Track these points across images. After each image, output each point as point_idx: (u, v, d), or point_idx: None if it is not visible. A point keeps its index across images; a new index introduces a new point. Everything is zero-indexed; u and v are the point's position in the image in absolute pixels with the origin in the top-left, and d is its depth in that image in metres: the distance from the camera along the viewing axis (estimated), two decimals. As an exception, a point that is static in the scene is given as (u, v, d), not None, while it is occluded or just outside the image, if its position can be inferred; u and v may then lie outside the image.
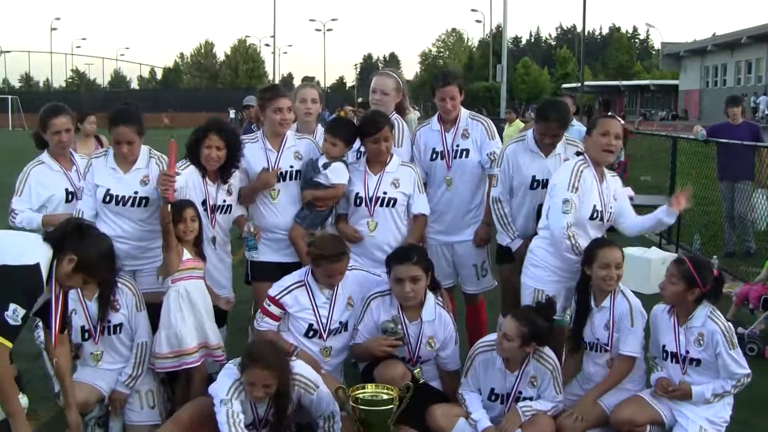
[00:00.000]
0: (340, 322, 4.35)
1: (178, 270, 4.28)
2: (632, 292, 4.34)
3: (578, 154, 4.60)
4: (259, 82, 70.90)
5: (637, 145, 13.46)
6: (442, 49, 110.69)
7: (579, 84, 39.82)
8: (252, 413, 3.86)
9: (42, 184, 4.69)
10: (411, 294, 4.21)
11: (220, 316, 4.63)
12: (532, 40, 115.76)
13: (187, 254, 4.33)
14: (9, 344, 3.26)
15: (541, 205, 4.75)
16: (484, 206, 5.06)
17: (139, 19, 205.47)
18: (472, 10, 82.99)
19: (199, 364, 4.31)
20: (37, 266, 3.38)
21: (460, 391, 4.24)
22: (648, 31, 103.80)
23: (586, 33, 44.07)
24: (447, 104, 4.96)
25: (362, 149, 4.87)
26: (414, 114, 7.95)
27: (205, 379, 4.32)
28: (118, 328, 4.26)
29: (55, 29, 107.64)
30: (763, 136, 8.97)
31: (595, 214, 4.41)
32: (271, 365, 3.72)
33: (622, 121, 13.83)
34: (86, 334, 4.22)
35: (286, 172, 4.77)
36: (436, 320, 4.33)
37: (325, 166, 4.68)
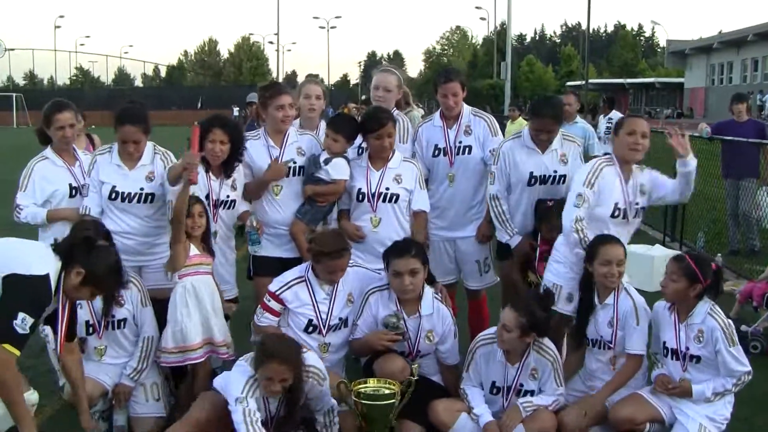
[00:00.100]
0: (340, 318, 4.36)
1: (185, 265, 4.29)
2: (636, 289, 4.33)
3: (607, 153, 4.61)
4: (263, 79, 70.87)
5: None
6: (446, 47, 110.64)
7: (583, 82, 39.78)
8: (264, 410, 3.84)
9: (46, 179, 4.72)
10: (410, 287, 4.22)
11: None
12: (537, 38, 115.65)
13: (194, 250, 4.34)
14: (17, 352, 3.30)
15: (539, 201, 4.79)
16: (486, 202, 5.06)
17: (142, 17, 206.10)
18: (477, 7, 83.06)
19: (202, 360, 4.32)
20: (46, 277, 3.42)
21: (462, 385, 4.25)
22: (653, 28, 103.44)
23: (590, 30, 43.97)
24: (449, 101, 4.96)
25: (364, 145, 4.88)
26: (418, 111, 7.95)
27: (209, 374, 4.33)
28: (122, 323, 4.29)
29: (59, 27, 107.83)
30: (768, 134, 8.93)
31: (617, 212, 4.42)
32: (287, 359, 3.72)
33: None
34: (90, 329, 4.24)
35: (289, 168, 4.79)
36: (435, 314, 4.34)
37: (326, 161, 4.70)
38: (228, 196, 4.67)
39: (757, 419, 4.64)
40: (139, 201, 4.54)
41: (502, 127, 6.33)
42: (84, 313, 4.17)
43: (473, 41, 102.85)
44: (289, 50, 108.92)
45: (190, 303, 4.27)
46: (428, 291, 4.36)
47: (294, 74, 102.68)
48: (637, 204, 4.48)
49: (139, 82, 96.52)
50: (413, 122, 5.47)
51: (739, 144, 8.59)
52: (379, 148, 4.70)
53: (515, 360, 4.12)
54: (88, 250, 3.60)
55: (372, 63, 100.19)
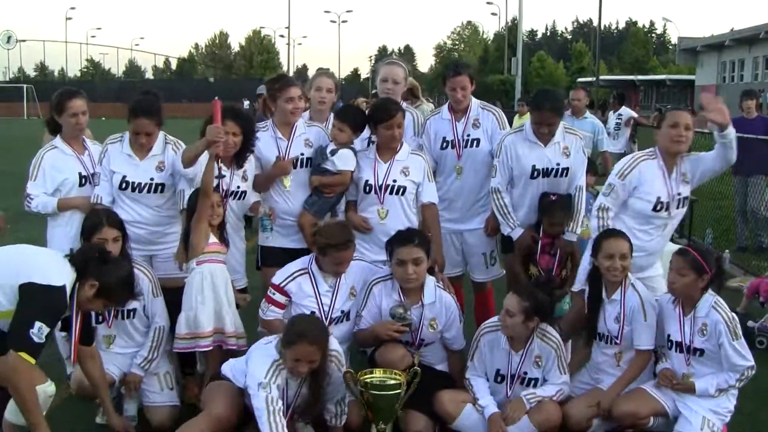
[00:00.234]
0: (342, 311, 4.38)
1: (204, 252, 4.30)
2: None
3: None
4: (274, 73, 70.92)
5: (651, 139, 13.39)
6: (457, 42, 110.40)
7: (594, 78, 39.65)
8: (283, 397, 3.81)
9: (56, 168, 4.72)
10: (413, 276, 4.25)
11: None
12: (548, 34, 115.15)
13: (212, 238, 4.36)
14: (32, 361, 3.35)
15: (543, 194, 4.81)
16: None
17: (153, 9, 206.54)
18: (488, 2, 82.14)
19: (210, 348, 4.33)
20: (63, 288, 3.48)
21: (467, 375, 4.28)
22: (665, 25, 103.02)
23: (602, 27, 43.83)
24: (458, 94, 4.98)
25: (373, 138, 4.90)
26: (427, 105, 7.97)
27: (219, 364, 4.33)
28: (131, 313, 4.32)
29: (70, 19, 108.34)
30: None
31: (659, 206, 4.44)
32: (318, 340, 3.73)
33: (636, 114, 13.80)
34: (99, 317, 4.26)
35: (297, 159, 4.82)
36: (437, 302, 4.37)
37: (333, 152, 4.71)
38: (239, 187, 4.69)
39: (762, 414, 4.64)
40: (149, 191, 4.58)
41: (510, 122, 6.34)
42: None
43: (484, 36, 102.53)
44: (300, 44, 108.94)
45: (206, 290, 4.28)
46: (430, 280, 4.39)
47: (305, 68, 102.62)
48: (679, 194, 4.50)
49: (149, 75, 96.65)
50: (424, 116, 5.49)
51: (747, 140, 8.54)
52: (389, 138, 4.70)
53: (519, 347, 4.15)
54: (102, 262, 3.66)
55: (383, 57, 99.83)
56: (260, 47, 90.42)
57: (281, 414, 3.61)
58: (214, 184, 4.37)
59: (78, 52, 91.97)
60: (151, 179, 4.58)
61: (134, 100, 4.62)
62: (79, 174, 4.76)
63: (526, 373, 4.16)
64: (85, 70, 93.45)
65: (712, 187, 9.15)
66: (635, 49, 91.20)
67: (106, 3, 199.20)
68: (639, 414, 4.02)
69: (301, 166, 4.83)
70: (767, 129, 8.82)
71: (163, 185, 4.61)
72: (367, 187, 4.74)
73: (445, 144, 5.06)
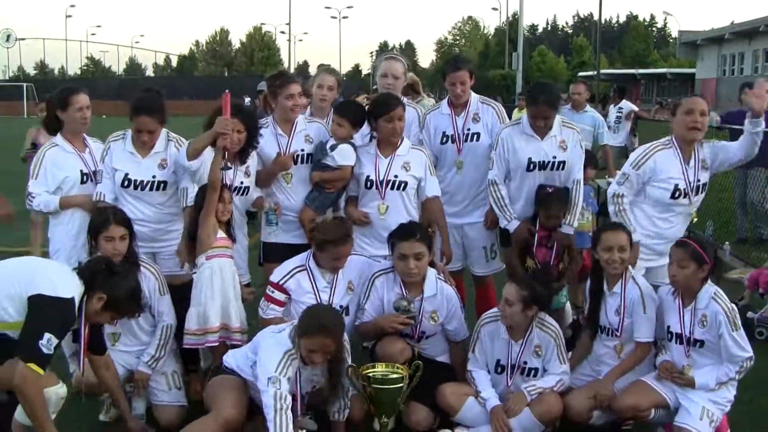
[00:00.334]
0: (341, 306, 4.40)
1: (213, 246, 4.32)
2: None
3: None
4: (275, 69, 70.88)
5: (651, 133, 13.42)
6: (458, 37, 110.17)
7: (595, 72, 39.55)
8: (295, 384, 3.82)
9: (57, 166, 4.70)
10: (414, 270, 4.28)
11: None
12: (549, 28, 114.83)
13: (220, 233, 4.38)
14: (41, 372, 3.38)
15: (540, 186, 4.83)
16: None
17: (154, 7, 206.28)
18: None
19: (218, 344, 4.34)
20: (72, 300, 3.52)
21: (468, 367, 4.31)
22: (665, 19, 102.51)
23: (602, 21, 43.66)
24: (457, 89, 5.01)
25: (374, 134, 4.91)
26: (428, 100, 7.99)
27: None
28: None
29: (69, 16, 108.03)
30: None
31: (677, 194, 4.49)
32: (336, 332, 3.77)
33: (636, 108, 13.80)
34: None
35: (297, 155, 4.84)
36: (438, 294, 4.39)
37: (333, 147, 4.74)
38: (242, 183, 4.71)
39: (761, 403, 4.68)
40: (151, 189, 4.59)
41: (510, 116, 6.37)
42: None
43: (485, 31, 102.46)
44: (301, 40, 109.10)
45: (215, 285, 4.29)
46: (431, 272, 4.42)
47: (305, 64, 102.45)
48: (698, 181, 4.54)
49: (150, 72, 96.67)
50: (425, 111, 5.52)
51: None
52: (390, 131, 4.72)
53: (519, 337, 4.19)
54: (109, 275, 3.70)
55: (384, 53, 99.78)
56: (261, 44, 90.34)
57: (289, 412, 3.57)
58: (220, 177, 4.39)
59: (78, 50, 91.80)
60: (153, 177, 4.59)
61: (136, 98, 4.63)
62: (81, 171, 4.75)
63: (526, 362, 4.19)
64: (86, 68, 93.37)
65: (712, 179, 9.15)
66: (636, 43, 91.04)
67: (106, 0, 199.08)
68: (640, 407, 4.04)
69: (302, 162, 4.86)
70: (766, 121, 8.80)
71: (165, 183, 4.62)
72: (368, 183, 4.76)
73: (445, 139, 5.08)
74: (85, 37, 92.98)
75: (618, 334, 4.23)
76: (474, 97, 5.15)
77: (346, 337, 3.98)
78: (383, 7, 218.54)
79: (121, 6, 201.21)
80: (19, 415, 3.63)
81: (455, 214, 5.12)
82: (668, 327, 4.14)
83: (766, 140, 8.40)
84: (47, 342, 3.36)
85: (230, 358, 4.04)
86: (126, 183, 4.58)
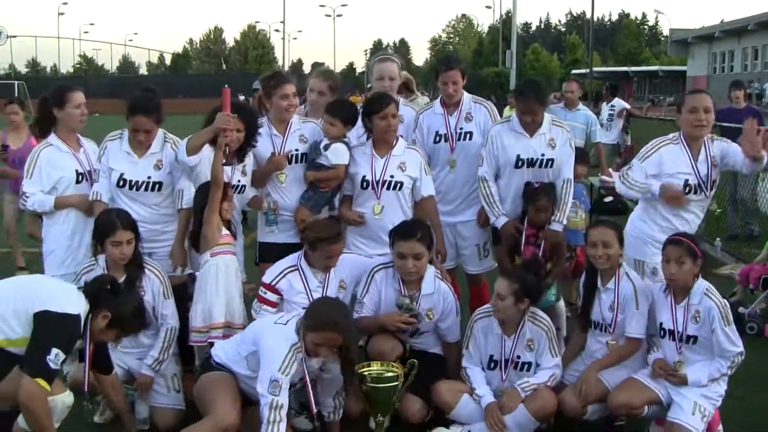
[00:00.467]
0: None
1: (218, 243, 4.33)
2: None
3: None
4: (269, 68, 70.79)
5: (643, 130, 13.50)
6: (452, 35, 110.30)
7: (588, 70, 39.66)
8: (303, 371, 3.82)
9: (52, 165, 4.68)
10: (413, 269, 4.31)
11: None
12: (542, 27, 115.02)
13: (224, 230, 4.40)
14: (48, 387, 3.39)
15: (526, 183, 4.85)
16: None
17: (147, 4, 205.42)
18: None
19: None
20: (78, 317, 3.53)
21: (463, 364, 4.34)
22: (657, 17, 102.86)
23: (595, 19, 43.85)
24: (449, 88, 5.04)
25: (369, 134, 4.91)
26: (422, 99, 8.00)
27: None
28: None
29: (62, 14, 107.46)
30: (765, 121, 8.99)
31: (688, 189, 4.51)
32: (344, 327, 3.79)
33: (628, 106, 13.84)
34: None
35: (292, 155, 4.86)
36: (436, 293, 4.42)
37: (326, 147, 4.75)
38: (239, 181, 4.71)
39: (753, 398, 4.73)
40: (146, 189, 4.59)
41: (501, 114, 6.39)
42: None
43: (479, 29, 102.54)
44: (295, 38, 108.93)
45: (220, 282, 4.30)
46: (430, 270, 4.44)
47: (300, 62, 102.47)
48: (710, 176, 4.55)
49: (144, 70, 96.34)
50: (416, 108, 5.55)
51: (737, 130, 8.63)
52: (384, 128, 4.73)
53: (511, 331, 4.22)
54: (114, 294, 3.71)
55: (378, 51, 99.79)
56: (255, 42, 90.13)
57: (282, 425, 3.63)
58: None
59: (71, 47, 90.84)
60: (149, 177, 4.58)
61: (133, 98, 4.63)
62: (76, 171, 4.73)
63: (519, 357, 4.23)
64: (78, 66, 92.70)
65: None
66: (628, 41, 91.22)
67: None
68: (633, 404, 4.06)
69: (296, 162, 4.88)
70: (755, 119, 8.86)
71: (160, 183, 4.62)
72: (364, 183, 4.77)
73: (438, 138, 5.11)
74: (77, 34, 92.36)
75: (611, 330, 4.26)
76: (466, 96, 5.17)
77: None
78: (377, 5, 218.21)
79: (115, 4, 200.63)
80: (23, 420, 3.63)
81: (448, 213, 5.14)
82: (660, 324, 4.17)
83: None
84: (54, 357, 3.37)
85: (219, 351, 4.03)
86: (121, 183, 4.57)
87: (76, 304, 3.57)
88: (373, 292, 4.46)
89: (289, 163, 4.86)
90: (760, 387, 4.90)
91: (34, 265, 6.90)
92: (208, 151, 4.48)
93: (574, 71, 55.70)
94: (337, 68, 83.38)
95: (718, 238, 8.51)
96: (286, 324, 3.85)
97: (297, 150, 4.89)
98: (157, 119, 4.60)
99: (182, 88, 55.23)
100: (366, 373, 4.12)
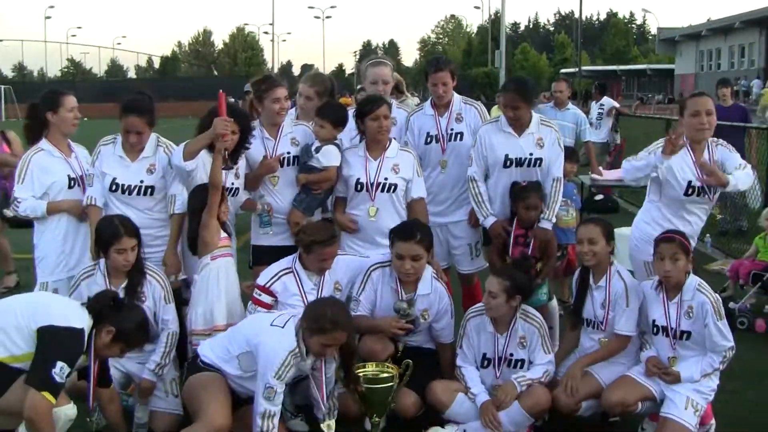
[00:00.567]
0: None
1: (217, 246, 4.34)
2: (629, 271, 4.44)
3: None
4: (258, 70, 70.63)
5: (632, 128, 13.57)
6: (441, 36, 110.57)
7: (577, 69, 39.90)
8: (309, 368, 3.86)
9: (44, 170, 4.66)
10: (411, 271, 4.32)
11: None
12: (531, 26, 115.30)
13: (222, 233, 4.41)
14: (53, 400, 3.39)
15: (513, 183, 4.86)
16: None
17: (135, 7, 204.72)
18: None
19: None
20: (82, 331, 3.55)
21: (458, 363, 4.36)
22: (644, 16, 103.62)
23: (583, 19, 44.07)
24: (439, 89, 5.05)
25: (362, 135, 4.92)
26: (412, 100, 8.02)
27: None
28: None
29: (49, 18, 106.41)
30: (751, 118, 9.09)
31: (690, 191, 4.51)
32: (347, 324, 3.82)
33: (617, 104, 13.90)
34: None
35: (284, 158, 4.86)
36: (432, 293, 4.44)
37: (317, 149, 4.77)
38: (233, 184, 4.72)
39: (747, 393, 4.79)
40: (138, 193, 4.58)
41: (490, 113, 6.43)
42: None
43: (468, 30, 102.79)
44: (284, 40, 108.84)
45: (221, 284, 4.31)
46: (428, 271, 4.45)
47: (289, 64, 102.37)
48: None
49: (132, 74, 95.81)
50: (410, 110, 5.56)
51: (723, 127, 8.71)
52: (376, 129, 4.75)
53: (503, 329, 4.24)
54: (117, 309, 3.73)
55: (367, 53, 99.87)
56: (244, 44, 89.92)
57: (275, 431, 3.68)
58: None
59: (58, 51, 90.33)
60: (141, 181, 4.58)
61: (126, 99, 4.62)
62: (68, 176, 4.73)
63: (512, 354, 4.24)
64: (66, 70, 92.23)
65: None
66: (616, 40, 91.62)
67: (87, 1, 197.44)
68: (627, 402, 4.09)
69: (288, 165, 4.88)
70: (743, 116, 8.97)
71: (153, 188, 4.61)
72: (359, 185, 4.79)
73: (429, 139, 5.12)
74: (65, 38, 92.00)
75: (603, 327, 4.29)
76: (456, 97, 5.20)
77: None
78: (366, 7, 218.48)
79: (102, 7, 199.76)
80: (23, 429, 3.62)
81: (440, 213, 5.16)
82: (653, 321, 4.19)
83: (740, 133, 8.63)
84: (60, 370, 3.38)
85: (207, 351, 4.01)
86: (114, 187, 4.57)
87: (79, 318, 3.58)
88: (369, 291, 4.46)
89: (281, 166, 4.86)
90: (752, 381, 4.95)
91: (25, 272, 6.85)
92: (205, 155, 4.48)
93: (563, 70, 55.88)
94: (327, 70, 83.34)
95: (707, 234, 8.57)
96: (283, 327, 3.84)
97: (289, 153, 4.89)
98: (150, 121, 4.59)
99: (171, 91, 55.00)
100: (361, 374, 4.13)
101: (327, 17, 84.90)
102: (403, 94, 7.32)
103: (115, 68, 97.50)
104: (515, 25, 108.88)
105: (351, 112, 5.06)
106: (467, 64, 66.37)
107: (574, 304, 4.46)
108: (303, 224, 4.59)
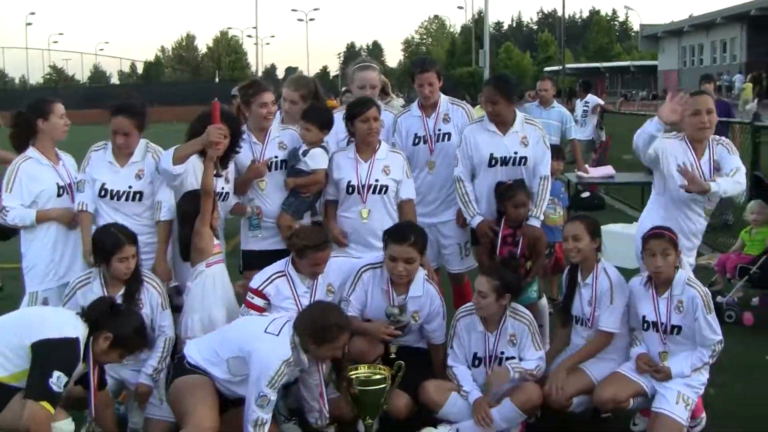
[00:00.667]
0: None
1: (211, 254, 4.34)
2: (616, 267, 4.43)
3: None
4: (242, 74, 70.47)
5: (617, 125, 13.64)
6: (425, 36, 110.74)
7: (561, 67, 40.08)
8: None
9: (33, 178, 4.61)
10: (403, 273, 4.32)
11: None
12: (514, 25, 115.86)
13: (214, 239, 4.41)
14: (52, 410, 3.39)
15: (498, 183, 4.86)
16: None
17: (118, 13, 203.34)
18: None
19: None
20: (77, 340, 3.54)
21: (449, 363, 4.37)
22: (627, 13, 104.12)
23: (566, 17, 44.31)
24: (425, 90, 5.07)
25: (351, 138, 4.93)
26: (398, 101, 8.05)
27: None
28: None
29: (30, 24, 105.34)
30: (735, 113, 9.17)
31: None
32: (347, 324, 3.86)
33: (602, 102, 13.97)
34: None
35: (272, 162, 4.87)
36: (423, 296, 4.44)
37: (305, 153, 4.77)
38: (222, 188, 4.70)
39: (735, 386, 4.83)
40: (127, 199, 4.57)
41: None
42: None
43: (451, 30, 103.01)
44: (268, 43, 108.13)
45: (218, 291, 4.32)
46: (420, 273, 4.45)
47: (273, 67, 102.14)
48: (712, 175, 4.52)
49: (115, 80, 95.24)
50: (395, 111, 5.57)
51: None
52: (366, 131, 4.76)
53: (493, 328, 4.26)
54: (114, 315, 3.72)
55: (351, 54, 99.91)
56: (228, 48, 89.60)
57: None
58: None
59: (40, 58, 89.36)
60: (130, 187, 4.56)
61: (117, 101, 4.61)
62: (57, 184, 4.68)
63: (502, 352, 4.25)
64: (48, 76, 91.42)
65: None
66: (599, 38, 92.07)
67: (68, 7, 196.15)
68: (619, 398, 4.11)
69: (276, 169, 4.89)
70: (726, 112, 9.03)
71: (141, 193, 4.59)
72: (350, 188, 4.80)
73: (417, 140, 5.14)
74: (46, 45, 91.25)
75: (590, 324, 4.31)
76: (443, 98, 5.22)
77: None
78: (349, 9, 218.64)
79: (84, 12, 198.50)
80: None
81: (428, 214, 5.17)
82: (643, 317, 4.21)
83: (723, 128, 8.69)
84: (57, 380, 3.38)
85: (194, 352, 3.98)
86: (102, 193, 4.56)
87: (73, 328, 3.58)
88: (359, 292, 4.46)
89: (270, 170, 4.87)
90: (740, 374, 5.00)
91: (13, 281, 6.80)
92: (198, 162, 4.48)
93: (546, 69, 56.17)
94: (311, 72, 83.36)
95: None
96: (278, 335, 3.83)
97: (276, 157, 4.90)
98: (139, 125, 4.57)
99: (155, 96, 54.69)
100: (354, 376, 4.13)
101: (310, 20, 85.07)
102: (388, 95, 7.35)
103: (98, 74, 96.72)
104: (499, 24, 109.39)
105: (336, 114, 5.07)
106: (451, 64, 66.53)
107: (564, 302, 4.49)
108: (296, 228, 4.59)
